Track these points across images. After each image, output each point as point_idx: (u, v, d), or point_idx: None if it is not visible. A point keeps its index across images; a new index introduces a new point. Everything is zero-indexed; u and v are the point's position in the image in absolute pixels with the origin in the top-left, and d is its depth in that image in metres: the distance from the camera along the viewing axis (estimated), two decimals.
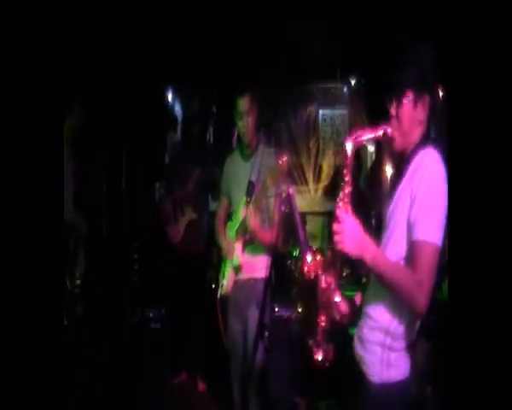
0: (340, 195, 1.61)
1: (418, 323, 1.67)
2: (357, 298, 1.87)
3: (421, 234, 1.54)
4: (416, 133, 1.67)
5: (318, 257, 1.78)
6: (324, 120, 6.39)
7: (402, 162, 1.69)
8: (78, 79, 3.78)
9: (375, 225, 2.13)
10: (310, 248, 4.79)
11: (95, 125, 3.40)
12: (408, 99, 1.63)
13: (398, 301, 1.60)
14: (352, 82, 6.03)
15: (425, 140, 1.66)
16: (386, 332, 1.64)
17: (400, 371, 1.65)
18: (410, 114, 1.64)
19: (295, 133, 6.25)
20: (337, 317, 1.76)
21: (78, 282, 3.42)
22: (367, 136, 1.65)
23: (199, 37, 4.67)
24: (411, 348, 1.67)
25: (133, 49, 4.52)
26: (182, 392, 4.03)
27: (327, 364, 1.74)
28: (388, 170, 4.37)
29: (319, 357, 1.75)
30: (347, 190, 1.61)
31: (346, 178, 1.62)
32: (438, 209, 1.54)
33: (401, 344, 1.65)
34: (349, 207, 1.60)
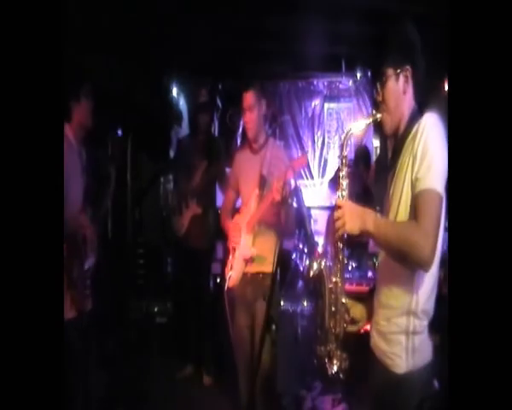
0: (339, 187, 1.70)
1: (435, 292, 1.66)
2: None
3: (423, 184, 1.54)
4: (404, 106, 1.70)
5: (323, 263, 1.77)
6: (330, 113, 6.36)
7: (398, 141, 1.71)
8: (83, 70, 3.74)
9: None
10: (316, 247, 4.78)
11: (101, 117, 3.36)
12: (389, 76, 1.67)
13: (407, 265, 1.57)
14: (358, 75, 6.00)
15: (416, 110, 1.69)
16: (408, 313, 1.63)
17: (425, 356, 1.65)
18: (393, 89, 1.68)
19: (301, 127, 6.24)
20: (347, 320, 1.76)
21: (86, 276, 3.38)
22: (361, 124, 1.74)
23: (205, 28, 4.64)
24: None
25: (137, 41, 4.49)
26: (187, 386, 4.03)
27: (341, 375, 1.71)
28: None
29: (333, 369, 1.71)
30: (345, 182, 1.70)
31: (343, 172, 1.71)
32: (439, 161, 1.55)
33: (424, 322, 1.65)
34: (346, 196, 1.69)
